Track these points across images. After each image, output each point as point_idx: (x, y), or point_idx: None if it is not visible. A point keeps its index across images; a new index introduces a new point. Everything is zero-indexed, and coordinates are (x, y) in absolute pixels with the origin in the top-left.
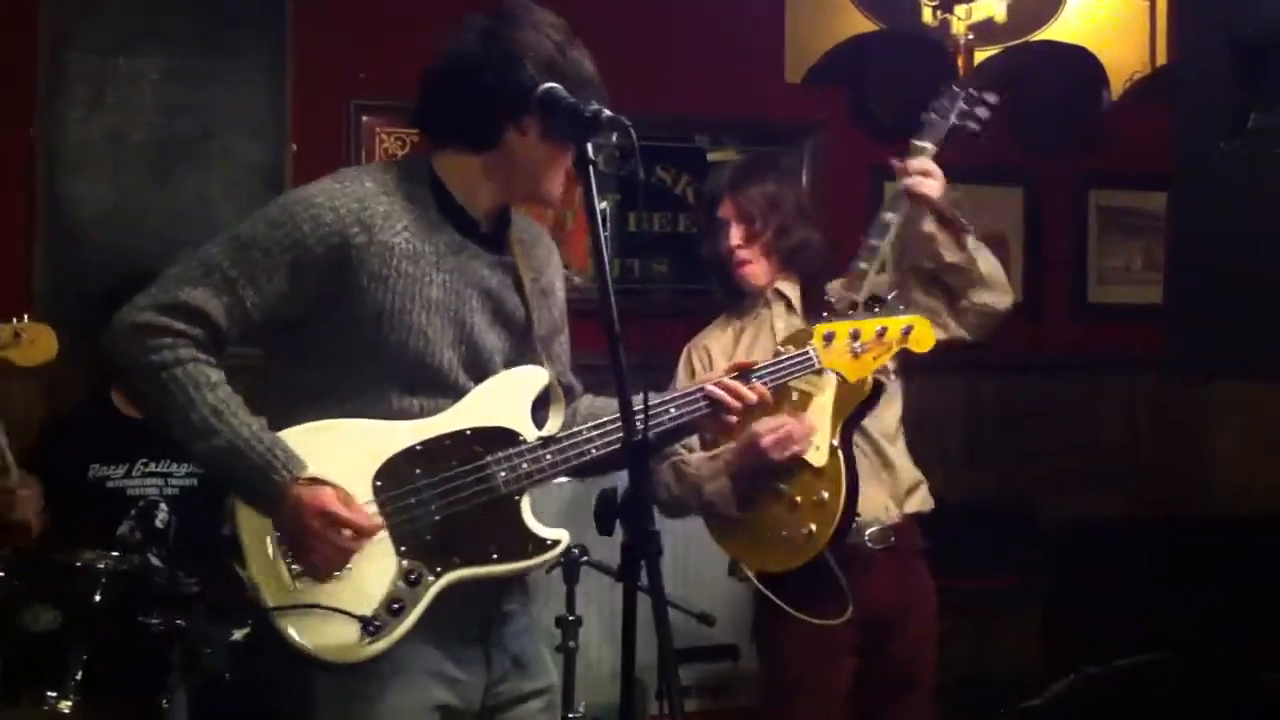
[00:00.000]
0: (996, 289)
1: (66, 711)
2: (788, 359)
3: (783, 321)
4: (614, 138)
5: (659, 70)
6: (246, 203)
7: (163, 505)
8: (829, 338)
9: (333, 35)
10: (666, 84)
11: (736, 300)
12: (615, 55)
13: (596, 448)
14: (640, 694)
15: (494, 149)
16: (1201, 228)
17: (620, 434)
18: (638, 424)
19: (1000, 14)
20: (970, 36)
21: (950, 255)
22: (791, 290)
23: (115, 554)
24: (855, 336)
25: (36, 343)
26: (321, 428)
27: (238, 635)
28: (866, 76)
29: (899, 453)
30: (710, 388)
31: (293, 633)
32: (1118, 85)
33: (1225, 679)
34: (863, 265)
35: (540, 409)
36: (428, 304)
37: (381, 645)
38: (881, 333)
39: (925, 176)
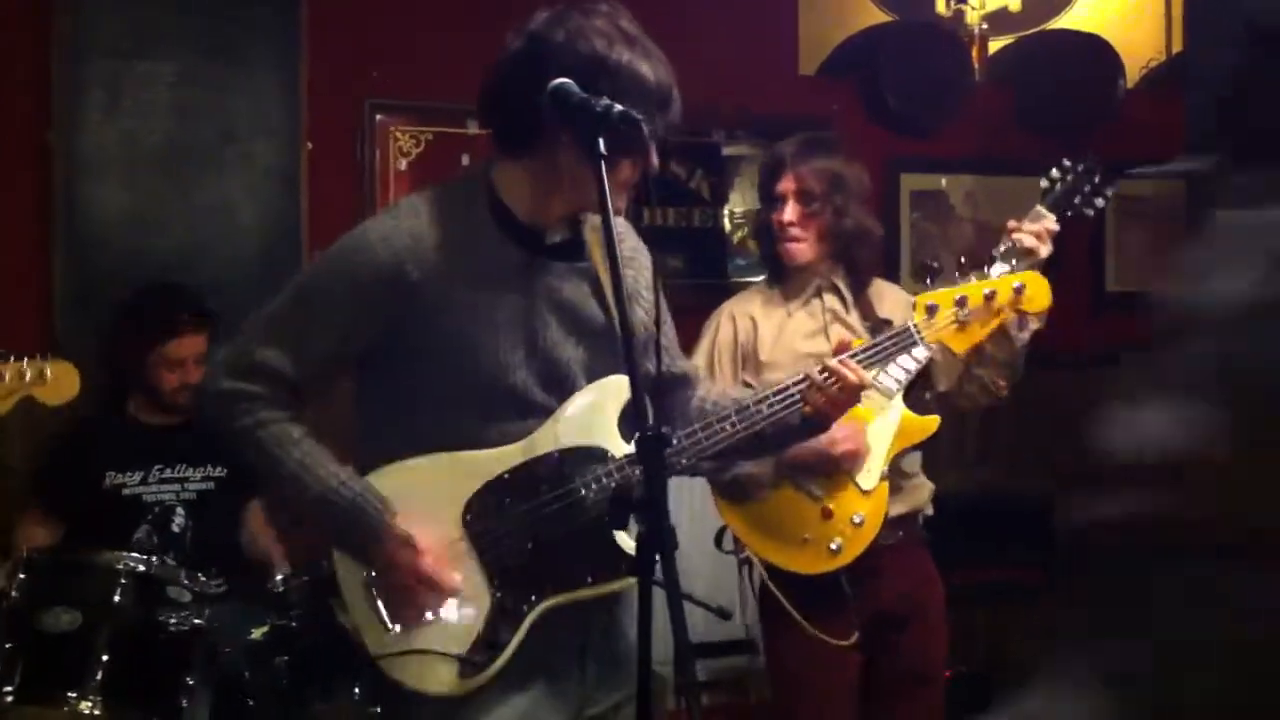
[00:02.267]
0: (1014, 375)
1: (87, 712)
2: (887, 337)
3: (837, 313)
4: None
5: (672, 64)
6: (263, 205)
7: (179, 510)
8: (932, 309)
9: (346, 35)
10: (680, 78)
11: (778, 276)
12: None
13: (686, 458)
14: (657, 689)
15: (535, 156)
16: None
17: (707, 446)
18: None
19: (1014, 3)
20: (984, 26)
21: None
22: (845, 287)
23: (134, 554)
24: (961, 304)
25: (61, 381)
26: (408, 467)
27: (256, 634)
28: (881, 68)
29: (913, 461)
30: (811, 371)
31: (396, 675)
32: (1133, 73)
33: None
34: None
35: (630, 419)
36: (495, 327)
37: (480, 680)
38: (990, 296)
39: (1040, 241)
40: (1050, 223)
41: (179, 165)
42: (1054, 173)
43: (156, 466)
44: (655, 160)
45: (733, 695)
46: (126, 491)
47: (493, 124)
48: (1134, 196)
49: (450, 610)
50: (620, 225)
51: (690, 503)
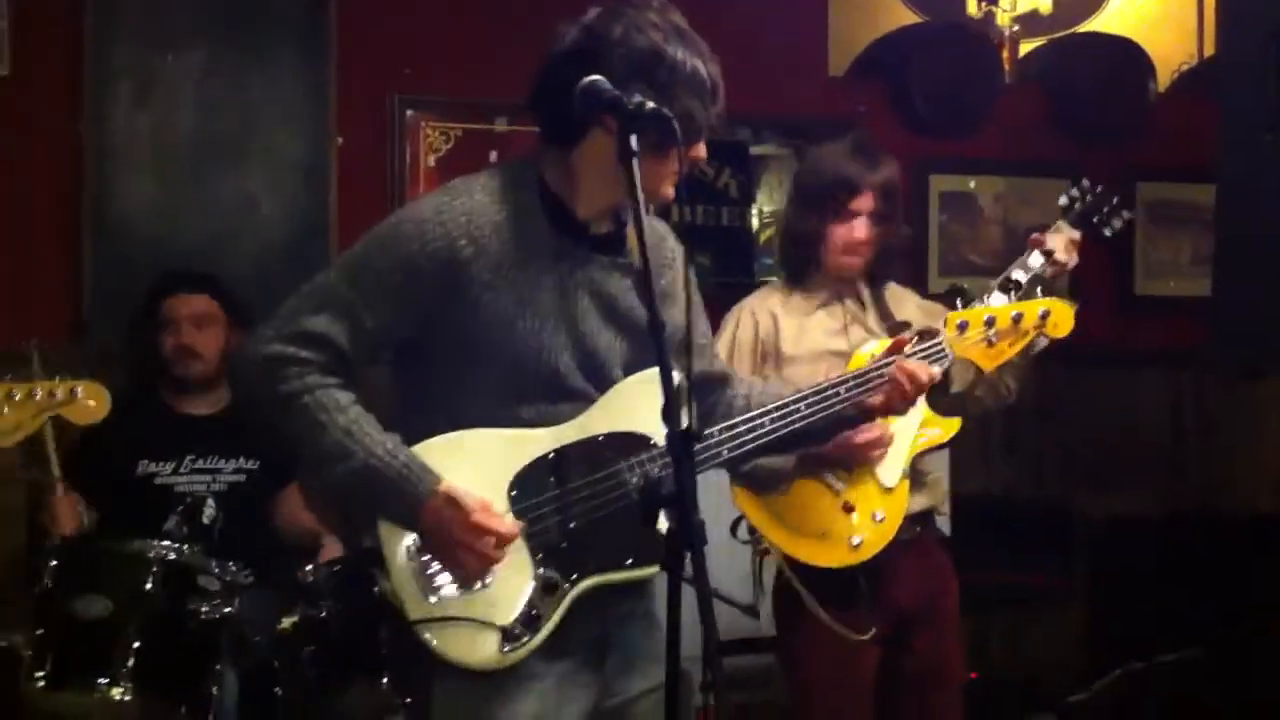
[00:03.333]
0: (1023, 378)
1: (118, 698)
2: (920, 350)
3: (856, 314)
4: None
5: None
6: (290, 199)
7: (210, 501)
8: (962, 326)
9: (376, 30)
10: None
11: (799, 278)
12: None
13: (728, 449)
14: (685, 685)
15: (580, 147)
16: (1247, 220)
17: (753, 435)
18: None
19: (1045, 5)
20: (1015, 28)
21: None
22: (864, 289)
23: (165, 543)
24: (990, 324)
25: (90, 401)
26: (453, 440)
27: (285, 624)
28: (910, 69)
29: (931, 457)
30: (892, 369)
31: (435, 642)
32: (1165, 77)
33: (1265, 676)
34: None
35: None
36: (540, 311)
37: (521, 654)
38: (1017, 319)
39: (1070, 255)
40: (1075, 233)
41: (207, 157)
42: (1074, 191)
43: (189, 457)
44: (704, 152)
45: (760, 693)
46: (158, 481)
47: (540, 114)
48: (1162, 200)
49: (493, 583)
50: (661, 228)
51: (710, 496)
